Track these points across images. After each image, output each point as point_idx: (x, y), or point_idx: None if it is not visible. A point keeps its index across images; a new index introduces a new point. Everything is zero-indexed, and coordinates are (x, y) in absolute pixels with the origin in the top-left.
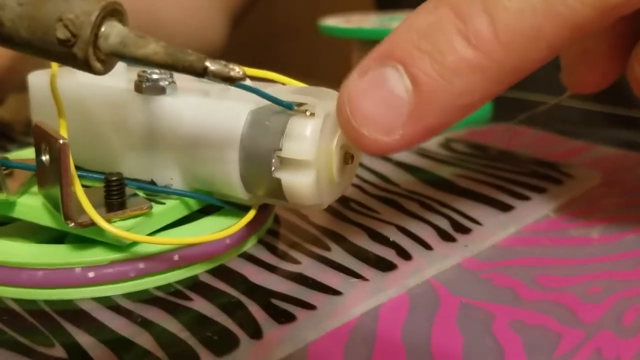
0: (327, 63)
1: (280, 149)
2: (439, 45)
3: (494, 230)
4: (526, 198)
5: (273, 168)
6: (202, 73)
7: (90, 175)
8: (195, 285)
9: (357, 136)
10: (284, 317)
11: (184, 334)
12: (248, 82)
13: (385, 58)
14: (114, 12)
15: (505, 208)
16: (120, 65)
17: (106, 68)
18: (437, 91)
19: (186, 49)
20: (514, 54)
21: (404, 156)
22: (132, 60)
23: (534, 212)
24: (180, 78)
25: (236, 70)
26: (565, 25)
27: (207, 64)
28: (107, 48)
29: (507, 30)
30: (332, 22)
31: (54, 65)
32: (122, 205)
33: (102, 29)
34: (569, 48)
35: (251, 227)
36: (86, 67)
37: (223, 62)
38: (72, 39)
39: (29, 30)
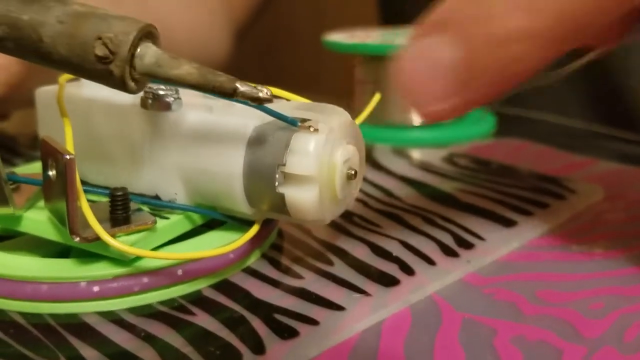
0: (331, 77)
1: (284, 165)
2: (489, 10)
3: (497, 245)
4: (529, 213)
5: (277, 183)
6: (231, 94)
7: (95, 190)
8: (198, 299)
9: (412, 104)
10: (286, 333)
11: (187, 349)
12: None
13: (436, 25)
14: (149, 35)
15: (508, 223)
16: None
17: (139, 87)
18: (487, 58)
19: (217, 71)
20: (565, 20)
21: (407, 171)
22: (165, 80)
23: (536, 227)
24: (185, 94)
25: (264, 91)
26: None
27: (237, 85)
28: (142, 68)
29: None
30: (336, 37)
31: (61, 81)
32: (126, 220)
33: (139, 49)
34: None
35: (255, 241)
36: (121, 85)
37: (252, 84)
38: (110, 56)
39: (67, 48)
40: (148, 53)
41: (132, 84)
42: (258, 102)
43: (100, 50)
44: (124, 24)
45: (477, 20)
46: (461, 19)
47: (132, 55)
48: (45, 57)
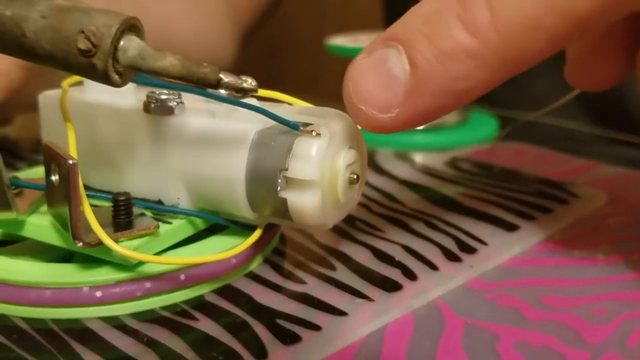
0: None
1: (287, 169)
2: (438, 29)
3: (499, 250)
4: (532, 218)
5: (279, 188)
6: (215, 84)
7: (98, 194)
8: (201, 305)
9: (355, 111)
10: (289, 338)
11: (189, 354)
12: (255, 102)
13: (389, 39)
14: (133, 27)
15: (511, 228)
16: (129, 86)
17: (123, 81)
18: (432, 74)
19: (201, 62)
20: (511, 43)
21: (410, 174)
22: (149, 72)
23: (539, 232)
24: (188, 98)
25: (249, 82)
26: (566, 19)
27: (221, 75)
28: (125, 60)
29: (506, 20)
30: (338, 41)
31: (64, 86)
32: (129, 225)
33: (121, 42)
34: (575, 42)
35: (257, 246)
36: (105, 78)
37: (236, 75)
38: (93, 49)
39: (51, 42)
40: (131, 46)
41: (115, 77)
42: (242, 93)
43: (82, 44)
44: (107, 17)
45: (426, 36)
46: (411, 34)
47: (115, 48)
48: (29, 52)
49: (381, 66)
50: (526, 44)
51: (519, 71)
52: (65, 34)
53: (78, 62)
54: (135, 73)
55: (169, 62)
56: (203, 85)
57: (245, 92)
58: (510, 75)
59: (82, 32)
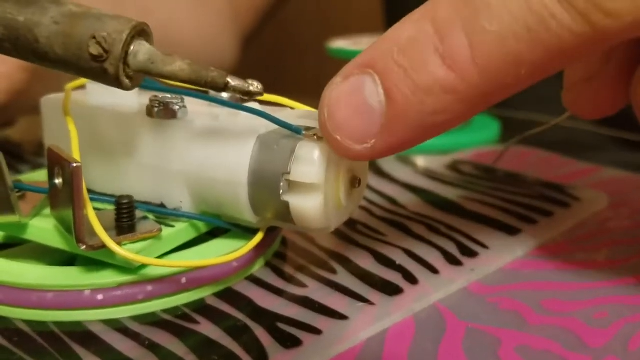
0: None
1: (289, 173)
2: (415, 61)
3: (501, 253)
4: (533, 221)
5: (281, 191)
6: (223, 88)
7: (101, 198)
8: (202, 308)
9: (330, 140)
10: (289, 342)
11: (190, 358)
12: (257, 106)
13: (365, 66)
14: (142, 32)
15: (512, 231)
16: (132, 90)
17: (133, 84)
18: (408, 108)
19: (209, 66)
20: (491, 78)
21: (411, 178)
22: (159, 76)
23: (540, 235)
24: (191, 102)
25: (255, 85)
26: (549, 53)
27: (229, 79)
28: (136, 65)
29: (485, 54)
30: (340, 44)
31: (67, 89)
32: (132, 228)
33: (132, 47)
34: (572, 69)
35: (259, 249)
36: (116, 82)
37: (242, 79)
38: (105, 55)
39: (63, 47)
40: (141, 50)
41: (126, 81)
42: (249, 96)
43: (94, 49)
44: (117, 22)
45: (402, 68)
46: (387, 64)
47: (126, 53)
48: (42, 57)
49: (357, 95)
50: (507, 78)
51: (498, 102)
52: (78, 40)
53: (90, 66)
54: (145, 77)
55: (178, 66)
56: (211, 89)
57: (251, 95)
58: (488, 106)
59: (94, 37)
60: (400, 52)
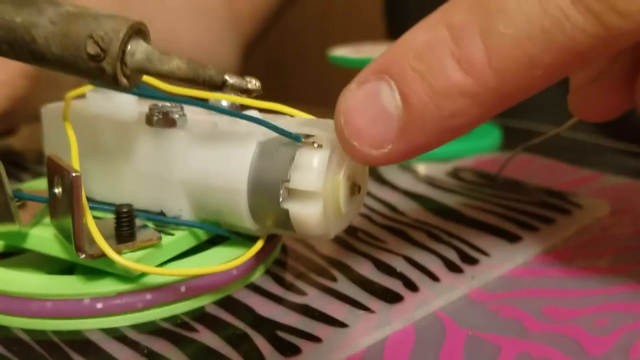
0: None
1: (288, 180)
2: (431, 66)
3: (502, 261)
4: (534, 228)
5: (281, 199)
6: (221, 86)
7: (101, 206)
8: (201, 316)
9: (347, 146)
10: (289, 350)
11: None
12: (257, 114)
13: (381, 72)
14: (139, 32)
15: (513, 238)
16: (132, 98)
17: (131, 84)
18: (425, 112)
19: (207, 64)
20: (507, 81)
21: (412, 185)
22: (157, 75)
23: (541, 242)
24: (190, 111)
25: (253, 82)
26: (564, 54)
27: (226, 77)
28: (133, 64)
29: (501, 58)
30: (341, 52)
31: (67, 98)
32: (131, 237)
33: (129, 46)
34: (578, 71)
35: (258, 257)
36: (113, 82)
37: (240, 76)
38: (102, 54)
39: (60, 47)
40: (138, 50)
41: (124, 81)
42: (247, 94)
43: (91, 49)
44: (114, 22)
45: (418, 73)
46: (403, 70)
47: (123, 52)
48: (40, 58)
49: (373, 101)
50: (523, 81)
51: (514, 104)
52: (75, 40)
53: (87, 66)
54: (142, 76)
55: (175, 64)
56: (209, 87)
57: (249, 92)
58: (505, 108)
59: (91, 37)
60: (417, 57)
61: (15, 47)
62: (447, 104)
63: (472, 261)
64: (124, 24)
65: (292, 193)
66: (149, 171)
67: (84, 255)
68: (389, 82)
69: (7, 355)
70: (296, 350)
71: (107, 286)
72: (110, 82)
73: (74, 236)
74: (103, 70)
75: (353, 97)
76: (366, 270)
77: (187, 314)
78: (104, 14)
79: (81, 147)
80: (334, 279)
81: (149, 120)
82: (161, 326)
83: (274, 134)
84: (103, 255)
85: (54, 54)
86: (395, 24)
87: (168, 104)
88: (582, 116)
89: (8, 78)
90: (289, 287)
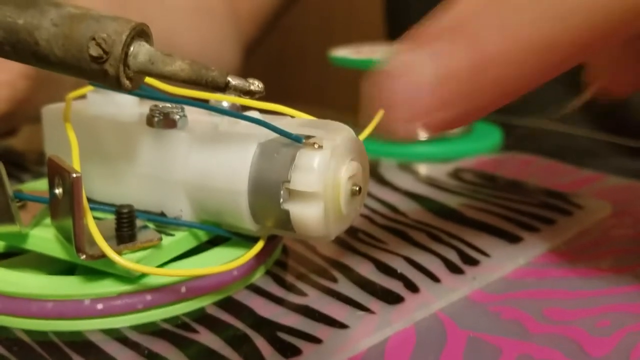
0: (337, 92)
1: (289, 181)
2: (504, 22)
3: (502, 262)
4: (535, 229)
5: (281, 200)
6: (223, 87)
7: (101, 207)
8: (202, 317)
9: (382, 122)
10: (289, 352)
11: None
12: (257, 115)
13: (450, 30)
14: (142, 33)
15: (514, 239)
16: (132, 99)
17: (134, 86)
18: (496, 70)
19: (209, 66)
20: (530, 62)
21: (413, 185)
22: (159, 77)
23: (542, 243)
24: (191, 112)
25: (256, 84)
26: (582, 38)
27: (229, 78)
28: (136, 65)
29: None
30: (342, 52)
31: (68, 98)
32: (132, 237)
33: (132, 48)
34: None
35: (259, 258)
36: (116, 83)
37: (243, 78)
38: (104, 56)
39: (63, 49)
40: (141, 51)
41: (127, 82)
42: (250, 95)
43: (94, 51)
44: (117, 23)
45: (494, 29)
46: (478, 26)
47: (126, 54)
48: (43, 60)
49: (410, 73)
50: (543, 62)
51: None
52: (77, 41)
53: (90, 68)
54: (144, 78)
55: (178, 66)
56: (212, 88)
57: (252, 94)
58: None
59: (94, 39)
60: (489, 14)
61: (17, 49)
62: (491, 70)
63: (473, 262)
64: (127, 26)
65: (292, 194)
66: (149, 172)
67: (84, 256)
68: (460, 41)
69: (8, 356)
70: (296, 352)
71: (107, 287)
72: (113, 83)
73: (75, 237)
74: (106, 72)
75: (389, 70)
76: (367, 271)
77: (187, 314)
78: (107, 16)
79: (82, 148)
80: (334, 280)
81: (150, 121)
82: (162, 327)
83: (274, 135)
84: (103, 256)
85: (56, 56)
86: (396, 24)
87: (169, 104)
88: (599, 92)
89: (9, 79)
90: (290, 288)
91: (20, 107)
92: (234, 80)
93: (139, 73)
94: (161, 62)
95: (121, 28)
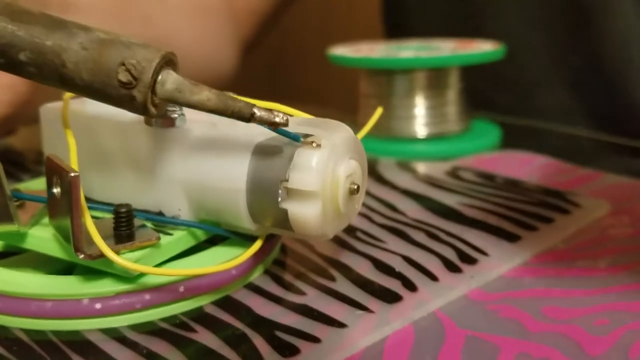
0: (337, 91)
1: (287, 180)
2: None
3: (501, 260)
4: (533, 228)
5: (280, 199)
6: (249, 118)
7: (99, 206)
8: (200, 316)
9: None
10: (288, 351)
11: None
12: None
13: None
14: (170, 62)
15: (512, 238)
16: None
17: (158, 112)
18: None
19: (235, 96)
20: None
21: (411, 184)
22: (185, 105)
23: (541, 242)
24: (189, 111)
25: (280, 116)
26: None
27: (255, 110)
28: (163, 93)
29: None
30: (341, 51)
31: (66, 99)
32: (130, 237)
33: (160, 75)
34: None
35: (257, 257)
36: (143, 109)
37: (268, 109)
38: (134, 82)
39: (91, 73)
40: (169, 79)
41: (152, 109)
42: (274, 126)
43: (123, 76)
44: (147, 51)
45: None
46: None
47: (155, 81)
48: (68, 82)
49: None
50: None
51: None
52: (106, 66)
53: (118, 93)
54: (168, 104)
55: (205, 95)
56: (237, 119)
57: (276, 125)
58: None
59: (123, 64)
60: None
61: (43, 71)
62: None
63: (471, 261)
64: (157, 54)
65: (290, 193)
66: (147, 171)
67: (82, 256)
68: None
69: (7, 356)
70: (295, 351)
71: (106, 286)
72: (139, 109)
73: (73, 236)
74: (133, 97)
75: None
76: (365, 270)
77: (186, 314)
78: (136, 42)
79: (80, 147)
80: (333, 279)
81: (148, 120)
82: (160, 326)
83: (272, 134)
84: (102, 255)
85: (82, 79)
86: (394, 23)
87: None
88: None
89: (10, 83)
90: (288, 287)
91: (22, 109)
92: (259, 112)
93: (165, 100)
94: (189, 91)
95: (151, 55)
